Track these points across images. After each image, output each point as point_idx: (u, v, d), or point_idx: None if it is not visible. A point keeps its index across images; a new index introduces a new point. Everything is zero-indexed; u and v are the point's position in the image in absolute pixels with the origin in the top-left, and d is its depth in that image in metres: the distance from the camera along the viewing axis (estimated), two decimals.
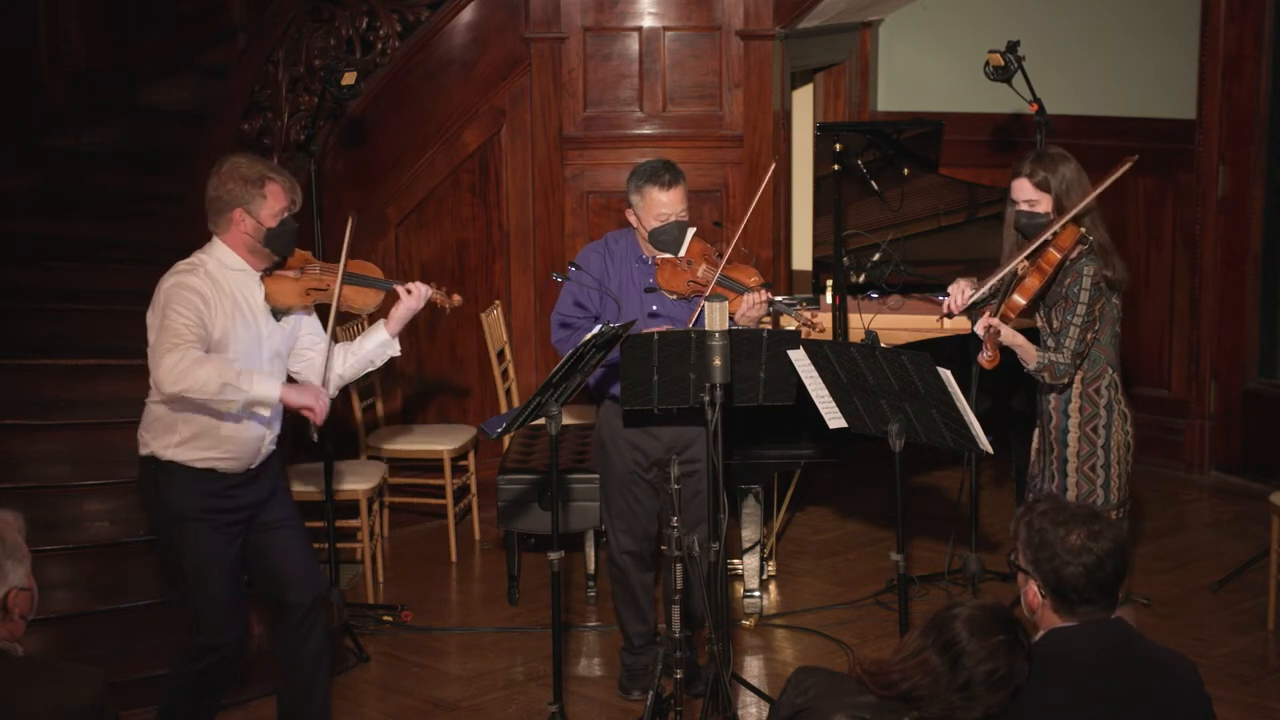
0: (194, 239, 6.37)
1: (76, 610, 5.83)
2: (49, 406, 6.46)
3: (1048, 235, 5.14)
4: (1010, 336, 5.10)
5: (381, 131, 7.17)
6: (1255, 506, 7.18)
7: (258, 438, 4.88)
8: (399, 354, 5.13)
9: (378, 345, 5.06)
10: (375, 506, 6.82)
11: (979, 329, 5.08)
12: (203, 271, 4.79)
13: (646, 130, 7.39)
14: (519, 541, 6.55)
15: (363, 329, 6.01)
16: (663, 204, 5.40)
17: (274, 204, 4.80)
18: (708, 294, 5.23)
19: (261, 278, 4.86)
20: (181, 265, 4.85)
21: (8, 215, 7.46)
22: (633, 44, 7.34)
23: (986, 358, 5.03)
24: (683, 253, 5.44)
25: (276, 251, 4.85)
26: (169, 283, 4.79)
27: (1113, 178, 5.19)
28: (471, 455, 7.16)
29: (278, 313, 4.89)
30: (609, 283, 5.52)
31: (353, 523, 6.66)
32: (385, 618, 6.35)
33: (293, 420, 5.11)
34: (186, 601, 4.94)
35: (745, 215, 5.63)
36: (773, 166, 5.89)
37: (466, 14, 7.24)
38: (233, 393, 4.66)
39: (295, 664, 5.04)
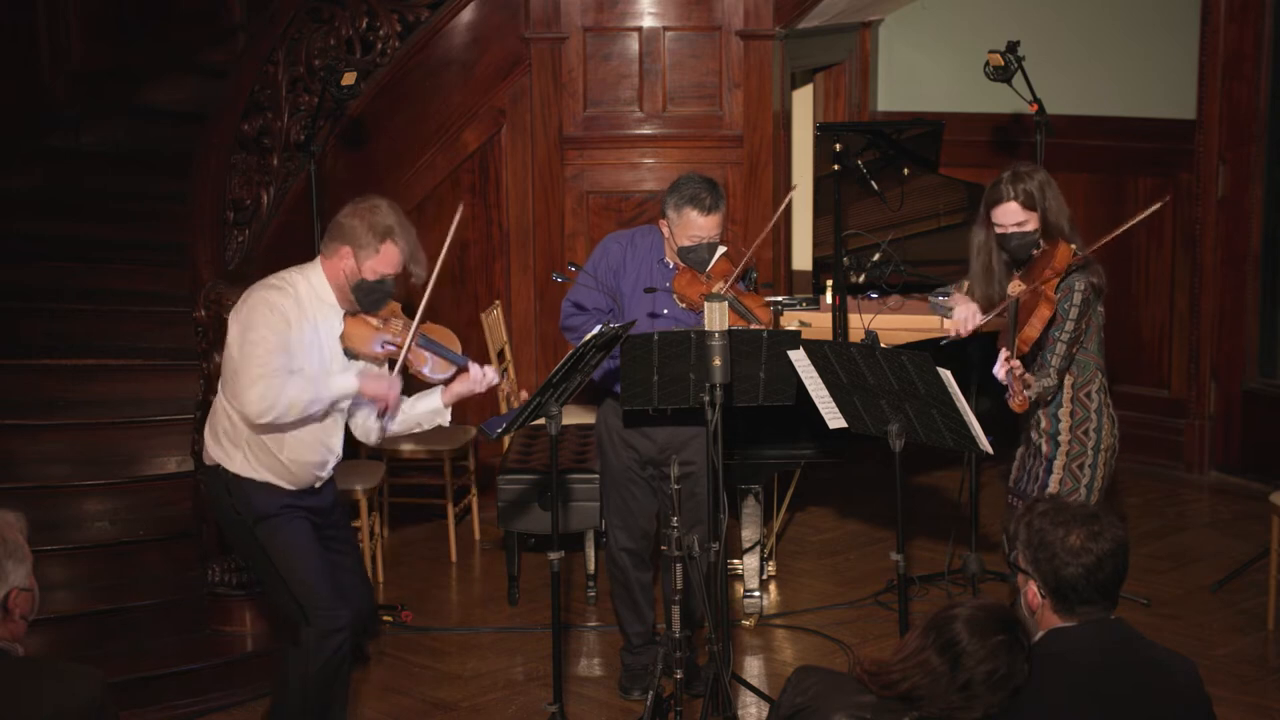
0: (194, 239, 6.41)
1: (76, 610, 5.83)
2: (49, 406, 6.47)
3: (1042, 263, 5.17)
4: (1028, 377, 5.06)
5: (381, 131, 7.17)
6: (1255, 506, 7.18)
7: (317, 464, 4.87)
8: (448, 424, 5.07)
9: (429, 411, 4.99)
10: (375, 506, 6.83)
11: (1000, 373, 4.99)
12: (291, 293, 4.73)
13: (646, 130, 7.39)
14: (519, 541, 6.55)
15: None
16: (699, 227, 5.37)
17: (381, 264, 4.75)
18: None
19: (345, 315, 4.81)
20: (272, 280, 4.78)
21: (8, 215, 7.47)
22: (633, 44, 7.34)
23: (1018, 402, 4.97)
24: (708, 269, 5.44)
25: (360, 303, 4.79)
26: (255, 297, 4.73)
27: (1142, 216, 5.23)
28: (471, 455, 7.16)
29: (349, 354, 4.84)
30: (625, 275, 5.52)
31: (353, 523, 6.65)
32: (385, 618, 6.35)
33: None
34: (286, 603, 4.84)
35: (760, 235, 5.69)
36: (791, 193, 5.94)
37: (466, 14, 7.24)
38: (318, 405, 4.69)
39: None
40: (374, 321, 4.82)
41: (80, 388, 6.54)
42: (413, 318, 4.85)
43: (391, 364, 4.88)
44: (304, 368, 4.71)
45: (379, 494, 6.86)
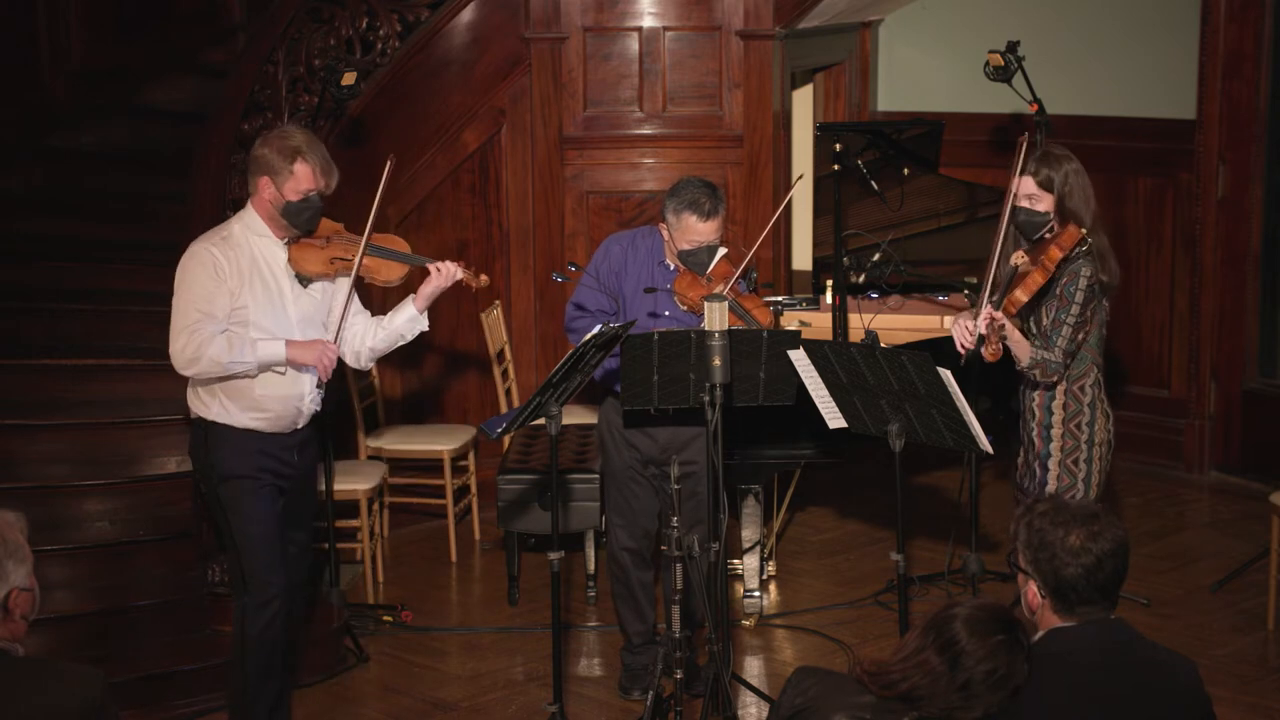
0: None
1: (76, 610, 5.83)
2: (49, 406, 6.46)
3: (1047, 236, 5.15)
4: (1011, 331, 5.11)
5: (381, 131, 7.17)
6: (1255, 506, 7.18)
7: (295, 396, 5.02)
8: (427, 329, 5.24)
9: (406, 320, 5.19)
10: (375, 506, 6.82)
11: (981, 322, 5.06)
12: (220, 238, 4.95)
13: (646, 130, 7.39)
14: (519, 541, 6.55)
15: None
16: (699, 233, 5.37)
17: (299, 183, 4.93)
18: None
19: (287, 243, 4.99)
20: (207, 233, 5.02)
21: (8, 215, 7.46)
22: (633, 44, 7.34)
23: (990, 351, 5.02)
24: (708, 271, 5.44)
25: (295, 225, 4.97)
26: (185, 255, 4.98)
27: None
28: (471, 455, 7.16)
29: (302, 279, 5.02)
30: (626, 277, 5.53)
31: (353, 523, 6.66)
32: (385, 618, 6.35)
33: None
34: (231, 563, 5.08)
35: (762, 235, 5.68)
36: (797, 181, 5.92)
37: (466, 14, 7.24)
38: (239, 366, 4.86)
39: None
40: (317, 242, 5.02)
41: (80, 388, 6.54)
42: (358, 235, 5.06)
43: (348, 278, 5.04)
44: (249, 308, 4.87)
45: (379, 494, 6.86)
